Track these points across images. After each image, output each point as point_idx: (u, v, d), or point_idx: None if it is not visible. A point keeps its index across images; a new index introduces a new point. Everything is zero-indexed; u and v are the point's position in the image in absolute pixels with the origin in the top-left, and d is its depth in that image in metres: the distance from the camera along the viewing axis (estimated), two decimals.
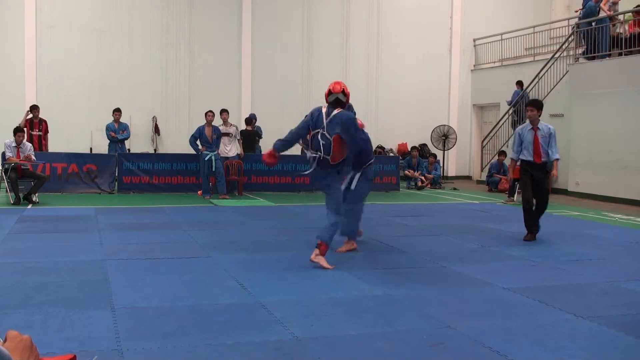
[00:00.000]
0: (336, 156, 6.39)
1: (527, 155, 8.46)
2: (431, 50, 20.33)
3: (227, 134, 13.76)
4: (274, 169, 14.88)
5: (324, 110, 6.47)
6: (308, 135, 6.57)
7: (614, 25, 14.78)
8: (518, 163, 8.81)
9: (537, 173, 8.44)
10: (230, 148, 13.82)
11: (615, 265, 7.02)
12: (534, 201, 8.51)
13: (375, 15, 19.83)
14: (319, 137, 6.37)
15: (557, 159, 8.43)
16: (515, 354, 4.00)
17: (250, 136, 15.71)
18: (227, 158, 13.80)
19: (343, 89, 6.51)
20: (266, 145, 16.64)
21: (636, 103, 13.67)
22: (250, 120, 15.94)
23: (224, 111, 13.97)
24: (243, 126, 16.05)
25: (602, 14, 15.00)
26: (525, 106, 8.77)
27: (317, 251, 6.44)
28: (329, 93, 6.51)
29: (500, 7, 20.90)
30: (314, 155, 6.46)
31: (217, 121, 14.25)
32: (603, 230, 9.72)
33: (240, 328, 4.44)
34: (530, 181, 8.46)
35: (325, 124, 6.35)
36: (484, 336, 4.33)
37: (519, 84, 17.83)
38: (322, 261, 6.39)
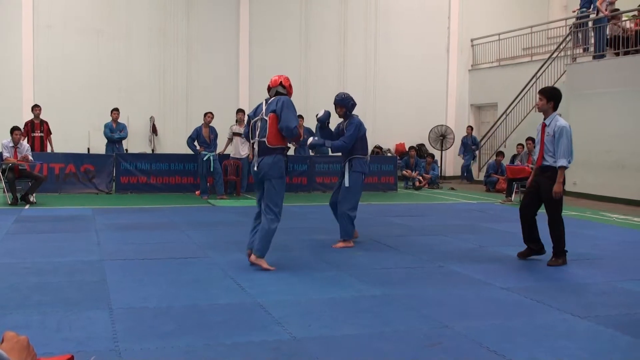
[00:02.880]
0: (272, 137, 6.27)
1: (535, 157, 7.09)
2: (429, 50, 20.33)
3: (239, 134, 13.73)
4: None
5: (263, 101, 6.54)
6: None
7: (615, 24, 14.79)
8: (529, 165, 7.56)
9: (541, 179, 6.86)
10: (243, 148, 13.78)
11: (613, 265, 7.02)
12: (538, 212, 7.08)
13: (373, 15, 19.83)
14: (258, 123, 6.40)
15: (562, 167, 6.61)
16: (513, 354, 4.00)
17: None
18: (239, 158, 13.78)
19: (281, 81, 6.55)
20: None
21: (634, 103, 13.70)
22: None
23: (239, 111, 14.02)
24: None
25: (600, 14, 15.07)
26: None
27: (253, 256, 6.35)
28: (269, 89, 6.59)
29: (498, 7, 20.91)
30: (252, 142, 6.46)
31: (223, 120, 14.24)
32: (601, 230, 9.73)
33: (239, 328, 4.43)
34: (533, 188, 6.98)
35: (264, 109, 6.40)
36: (482, 336, 4.34)
37: (470, 128, 19.45)
38: (263, 264, 6.29)
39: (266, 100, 6.49)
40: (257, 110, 6.54)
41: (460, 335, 4.37)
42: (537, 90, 16.20)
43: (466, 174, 19.19)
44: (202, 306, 4.97)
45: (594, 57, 15.22)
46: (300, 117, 15.34)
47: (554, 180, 6.71)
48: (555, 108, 6.85)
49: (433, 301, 5.28)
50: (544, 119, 6.89)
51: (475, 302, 5.31)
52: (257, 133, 6.38)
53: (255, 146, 6.40)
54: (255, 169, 6.40)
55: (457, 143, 20.14)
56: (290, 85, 6.62)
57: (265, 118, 6.31)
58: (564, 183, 6.90)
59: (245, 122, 6.71)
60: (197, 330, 4.36)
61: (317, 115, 7.82)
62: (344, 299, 5.30)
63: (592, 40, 15.48)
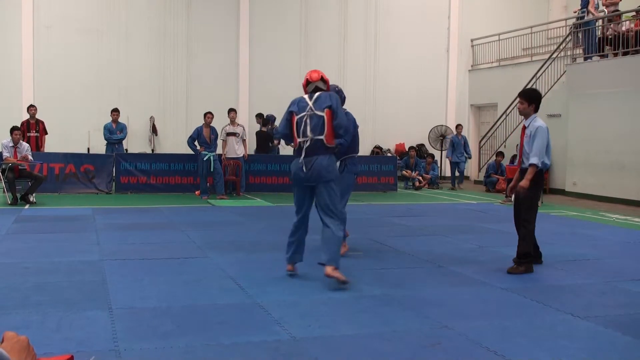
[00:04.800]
0: (329, 135, 5.72)
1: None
2: (429, 51, 20.34)
3: (234, 134, 13.69)
4: (271, 169, 14.91)
5: (305, 96, 5.93)
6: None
7: (608, 23, 14.88)
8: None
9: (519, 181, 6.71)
10: (238, 147, 13.77)
11: (613, 265, 7.03)
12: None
13: (373, 15, 19.84)
14: (307, 119, 5.75)
15: (533, 165, 6.44)
16: (512, 354, 4.00)
17: (265, 137, 15.87)
18: (236, 158, 13.75)
19: (322, 75, 6.01)
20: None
21: (633, 103, 13.70)
22: (268, 121, 16.15)
23: (231, 110, 13.96)
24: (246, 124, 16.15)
25: (590, 16, 15.28)
26: (518, 97, 6.94)
27: (329, 269, 5.63)
28: (307, 83, 5.99)
29: (498, 8, 20.91)
30: (302, 140, 5.76)
31: (223, 120, 14.24)
32: (600, 231, 9.74)
33: (238, 328, 4.44)
34: (515, 193, 6.82)
35: (311, 104, 5.78)
36: (481, 336, 4.34)
37: (460, 127, 17.80)
38: (340, 275, 5.62)
39: (310, 95, 5.87)
40: (301, 106, 5.84)
41: (460, 335, 4.38)
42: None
43: (457, 178, 17.35)
44: (201, 306, 4.97)
45: (585, 59, 15.31)
46: None
47: (534, 181, 6.52)
48: (536, 110, 6.68)
49: (433, 301, 5.28)
50: (524, 121, 6.74)
51: (475, 302, 5.31)
52: (309, 130, 5.71)
53: (306, 145, 5.72)
54: (305, 170, 5.71)
55: None
56: (328, 81, 6.06)
57: (320, 114, 5.70)
58: (540, 188, 6.76)
59: (284, 118, 6.00)
60: (196, 330, 4.36)
61: None
62: (344, 299, 5.30)
63: (586, 42, 15.56)
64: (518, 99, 6.76)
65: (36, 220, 9.54)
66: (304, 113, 5.77)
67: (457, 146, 17.44)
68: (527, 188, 6.43)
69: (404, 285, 5.80)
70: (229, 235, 8.53)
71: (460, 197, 14.95)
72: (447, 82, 20.78)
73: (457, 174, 17.48)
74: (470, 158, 18.12)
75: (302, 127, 5.76)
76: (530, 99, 6.64)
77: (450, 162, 17.59)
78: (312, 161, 5.68)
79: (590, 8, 15.35)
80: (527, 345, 4.19)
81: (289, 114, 5.93)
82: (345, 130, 5.79)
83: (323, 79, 5.98)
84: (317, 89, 5.91)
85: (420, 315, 4.86)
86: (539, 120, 6.64)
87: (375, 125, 19.48)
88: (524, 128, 6.68)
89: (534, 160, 6.42)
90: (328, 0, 19.38)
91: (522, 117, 6.82)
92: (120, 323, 4.46)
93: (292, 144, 6.03)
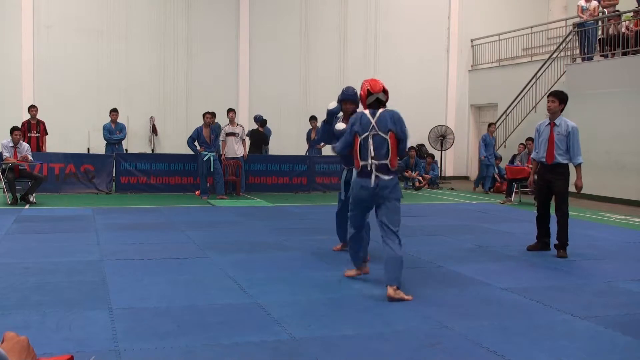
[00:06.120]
0: (394, 159, 5.47)
1: (540, 154, 7.47)
2: (429, 51, 20.34)
3: (233, 134, 13.68)
4: (271, 169, 14.91)
5: (366, 112, 5.56)
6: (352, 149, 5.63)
7: (608, 24, 14.93)
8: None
9: (550, 176, 7.41)
10: (238, 147, 13.78)
11: (613, 265, 7.03)
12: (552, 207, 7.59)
13: (373, 15, 19.83)
14: (370, 140, 5.44)
15: (581, 163, 7.34)
16: (512, 354, 4.00)
17: (261, 137, 15.93)
18: (235, 158, 13.75)
19: (383, 86, 5.60)
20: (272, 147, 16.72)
21: (633, 103, 13.70)
22: (265, 122, 16.26)
23: (230, 110, 13.96)
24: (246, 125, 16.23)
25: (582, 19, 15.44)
26: (547, 96, 7.60)
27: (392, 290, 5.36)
28: (368, 94, 5.56)
29: (498, 8, 20.91)
30: (365, 164, 5.48)
31: (222, 120, 14.23)
32: (600, 231, 9.74)
33: (238, 328, 4.44)
34: (543, 185, 7.55)
35: (374, 123, 5.45)
36: (481, 336, 4.34)
37: (493, 125, 17.01)
38: (404, 295, 5.37)
39: (371, 112, 5.52)
40: (363, 124, 5.49)
41: (459, 335, 4.38)
42: (546, 92, 16.35)
43: (490, 183, 16.43)
44: (201, 306, 4.97)
45: (584, 59, 15.34)
46: (314, 118, 15.54)
47: (566, 176, 7.39)
48: (562, 110, 7.41)
49: (432, 301, 5.28)
50: (552, 120, 7.42)
51: (474, 303, 5.31)
52: (373, 153, 5.42)
53: (368, 168, 5.45)
54: (370, 191, 5.47)
55: (458, 143, 20.12)
56: (388, 92, 5.70)
57: (384, 136, 5.42)
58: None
59: (346, 139, 5.65)
60: (196, 330, 4.36)
61: (328, 107, 7.04)
62: (344, 299, 5.30)
63: (584, 43, 15.62)
64: (549, 98, 7.44)
65: (36, 220, 9.53)
66: (367, 133, 5.45)
67: (489, 147, 16.46)
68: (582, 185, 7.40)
69: (404, 285, 5.79)
70: (229, 235, 8.53)
71: (460, 197, 14.95)
72: (447, 82, 20.78)
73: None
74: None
75: (365, 148, 5.47)
76: (562, 99, 7.37)
77: (480, 162, 16.56)
78: (380, 180, 5.45)
79: (580, 13, 15.54)
80: (527, 345, 4.19)
81: (353, 136, 5.57)
82: (404, 153, 5.85)
83: (384, 90, 5.62)
84: (378, 101, 5.56)
85: (421, 315, 4.87)
86: (570, 120, 7.41)
87: None
88: (553, 125, 7.37)
89: (580, 159, 7.31)
90: (328, 0, 19.38)
91: (546, 115, 7.58)
92: (120, 323, 4.46)
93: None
